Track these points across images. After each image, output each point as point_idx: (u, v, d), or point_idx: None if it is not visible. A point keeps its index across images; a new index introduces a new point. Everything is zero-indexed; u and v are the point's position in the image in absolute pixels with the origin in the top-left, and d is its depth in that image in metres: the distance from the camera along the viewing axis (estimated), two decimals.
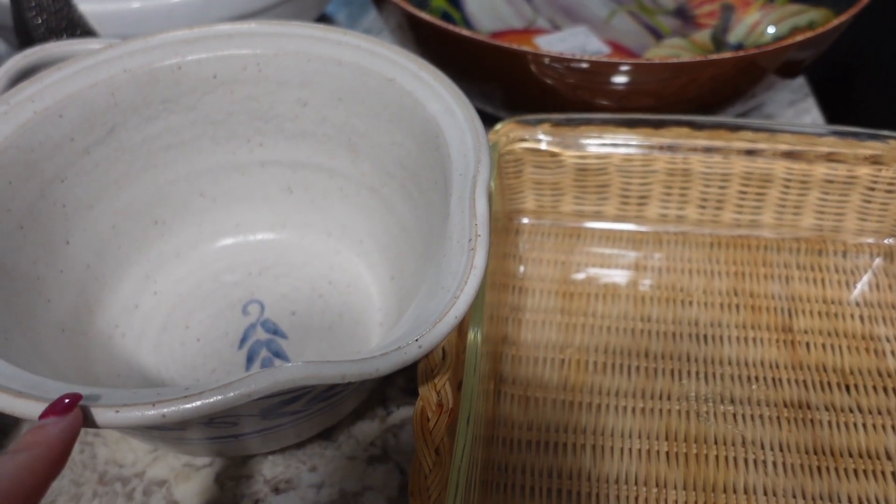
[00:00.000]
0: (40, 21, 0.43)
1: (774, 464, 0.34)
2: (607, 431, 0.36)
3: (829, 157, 0.42)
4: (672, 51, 0.60)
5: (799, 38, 0.44)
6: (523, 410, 0.36)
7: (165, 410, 0.22)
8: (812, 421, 0.36)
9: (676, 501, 0.33)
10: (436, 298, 0.26)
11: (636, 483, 0.34)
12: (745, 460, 0.34)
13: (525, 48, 0.43)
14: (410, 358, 0.25)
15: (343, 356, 0.24)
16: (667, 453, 0.35)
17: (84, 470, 0.35)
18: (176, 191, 0.40)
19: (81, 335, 0.36)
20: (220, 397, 0.22)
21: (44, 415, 0.23)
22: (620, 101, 0.46)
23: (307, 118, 0.39)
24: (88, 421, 0.23)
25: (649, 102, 0.46)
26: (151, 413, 0.22)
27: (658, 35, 0.62)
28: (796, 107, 0.58)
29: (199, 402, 0.23)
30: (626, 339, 0.40)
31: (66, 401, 0.23)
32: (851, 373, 0.38)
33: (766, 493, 0.33)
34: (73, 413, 0.22)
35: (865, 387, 0.37)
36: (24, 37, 0.43)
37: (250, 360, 0.38)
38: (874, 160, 0.42)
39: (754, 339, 0.39)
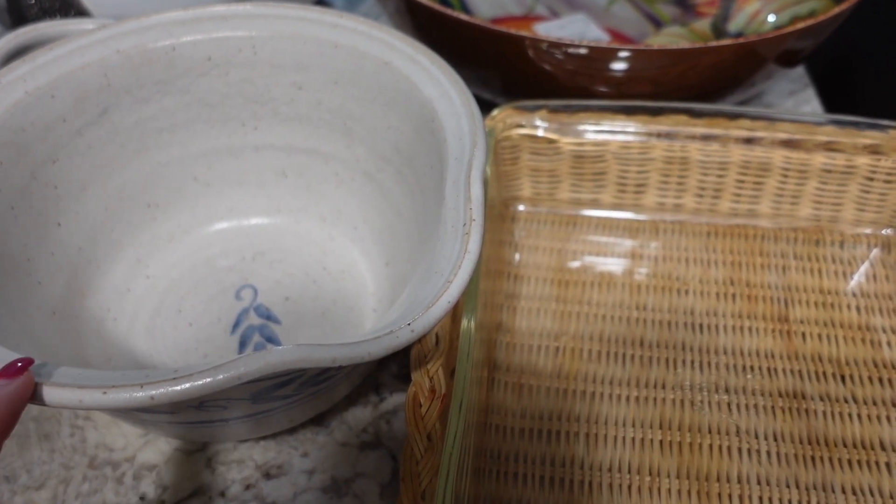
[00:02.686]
0: (34, 1, 0.43)
1: (768, 453, 0.34)
2: (601, 420, 0.35)
3: (828, 147, 0.42)
4: (671, 39, 0.60)
5: (798, 26, 0.44)
6: (517, 398, 0.36)
7: (154, 392, 0.22)
8: (807, 411, 0.36)
9: (669, 490, 0.33)
10: (429, 283, 0.26)
11: (629, 471, 0.34)
12: (739, 449, 0.34)
13: (523, 33, 0.43)
14: (402, 342, 0.24)
15: (336, 341, 0.24)
16: (660, 442, 0.35)
17: (74, 453, 0.35)
18: (169, 174, 0.40)
19: (73, 319, 0.35)
20: (209, 380, 0.22)
21: None
22: (619, 87, 0.46)
23: (302, 102, 0.39)
24: (77, 402, 0.22)
25: (647, 90, 0.46)
26: (140, 395, 0.22)
27: (658, 23, 0.62)
28: (796, 97, 0.58)
29: (188, 385, 0.22)
30: (621, 328, 0.39)
31: (18, 364, 0.22)
32: (847, 363, 0.38)
33: (759, 483, 0.33)
34: (23, 377, 0.22)
35: (861, 377, 0.37)
36: (17, 16, 0.43)
37: (243, 345, 0.38)
38: (873, 150, 0.41)
39: (750, 329, 0.39)
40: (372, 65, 0.35)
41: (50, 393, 0.22)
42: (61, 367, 0.24)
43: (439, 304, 0.25)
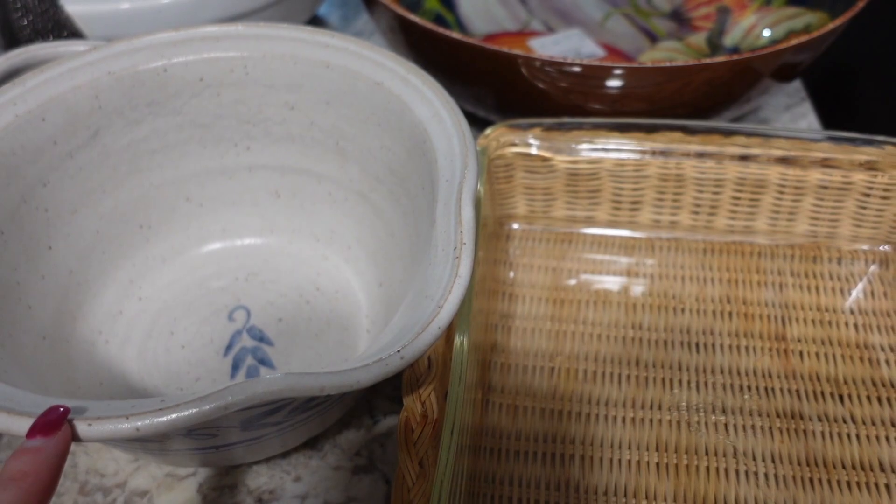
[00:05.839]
0: (26, 22, 0.43)
1: (766, 475, 0.34)
2: (597, 442, 0.35)
3: (824, 163, 0.41)
4: (667, 53, 0.59)
5: (794, 41, 0.44)
6: (511, 420, 0.36)
7: (139, 424, 0.22)
8: (805, 431, 0.35)
9: None
10: (420, 308, 0.26)
11: (626, 495, 0.33)
12: (737, 472, 0.34)
13: (516, 51, 0.43)
14: (392, 369, 0.24)
15: (329, 364, 0.24)
16: (657, 464, 0.34)
17: (64, 479, 0.35)
18: (162, 195, 0.40)
19: (63, 342, 0.35)
20: (195, 410, 0.22)
21: (30, 434, 0.21)
22: (613, 105, 0.46)
23: (295, 122, 0.38)
24: None
25: (642, 107, 0.46)
26: (125, 426, 0.22)
27: (653, 38, 0.62)
28: (792, 111, 0.58)
29: (174, 416, 0.22)
30: (617, 348, 0.39)
31: (60, 409, 0.22)
32: (845, 382, 0.37)
33: None
34: (61, 432, 0.21)
35: (859, 397, 0.37)
36: (10, 38, 0.43)
37: (236, 367, 0.37)
38: (869, 166, 0.41)
39: (747, 348, 0.39)
40: (364, 85, 0.35)
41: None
42: (46, 397, 0.23)
43: (430, 329, 0.25)
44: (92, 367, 0.36)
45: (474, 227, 0.28)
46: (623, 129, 0.42)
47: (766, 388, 0.37)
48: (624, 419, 0.36)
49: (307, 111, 0.38)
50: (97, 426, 0.22)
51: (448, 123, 0.32)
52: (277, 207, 0.42)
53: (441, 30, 0.44)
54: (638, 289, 0.42)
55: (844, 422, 0.36)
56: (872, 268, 0.43)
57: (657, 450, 0.35)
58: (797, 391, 0.37)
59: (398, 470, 0.27)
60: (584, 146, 0.42)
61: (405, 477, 0.27)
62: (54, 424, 0.22)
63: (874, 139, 0.41)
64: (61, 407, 0.22)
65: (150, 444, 0.29)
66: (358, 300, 0.40)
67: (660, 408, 0.36)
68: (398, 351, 0.24)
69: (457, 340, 0.32)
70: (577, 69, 0.43)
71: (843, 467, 0.34)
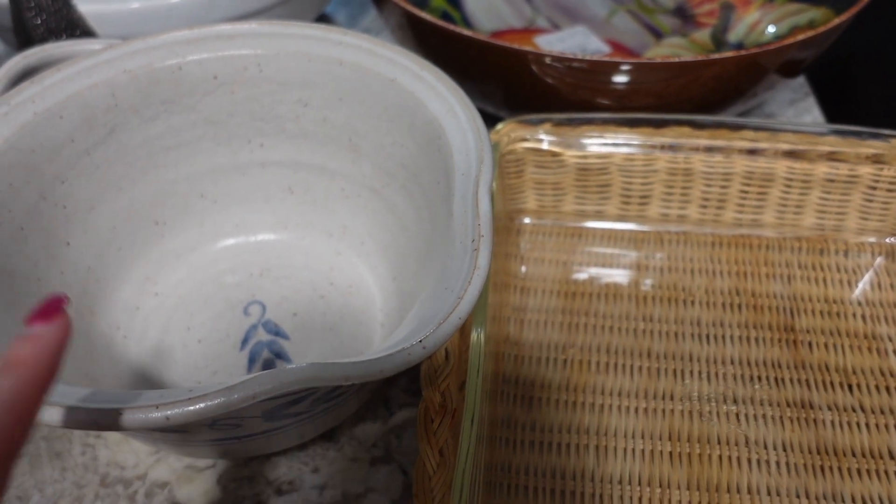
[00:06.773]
0: (39, 21, 0.43)
1: (777, 464, 0.34)
2: (610, 432, 0.36)
3: (831, 157, 0.42)
4: (672, 50, 0.60)
5: (800, 37, 0.44)
6: (526, 411, 0.36)
7: (169, 413, 0.22)
8: (815, 420, 0.36)
9: (680, 502, 0.33)
10: (439, 299, 0.26)
11: (639, 483, 0.34)
12: (749, 460, 0.34)
13: (526, 48, 0.43)
14: (414, 359, 0.24)
15: (345, 357, 0.24)
16: (670, 453, 0.35)
17: (86, 472, 0.35)
18: (176, 192, 0.40)
19: (83, 338, 0.36)
20: (224, 399, 0.22)
21: (30, 321, 0.20)
22: (621, 100, 0.46)
23: (308, 119, 0.39)
24: (92, 424, 0.23)
25: (650, 102, 0.46)
26: (156, 415, 0.22)
27: (658, 34, 0.62)
28: (797, 106, 0.58)
29: (203, 405, 0.22)
30: (628, 339, 0.39)
31: (60, 296, 0.21)
32: (854, 372, 0.38)
33: (769, 493, 0.33)
34: (61, 318, 0.21)
35: (868, 386, 0.37)
36: (24, 37, 0.43)
37: (252, 361, 0.38)
38: (875, 159, 0.42)
39: (756, 339, 0.39)
40: (377, 82, 0.36)
41: (64, 414, 0.23)
42: (74, 387, 0.24)
43: (450, 320, 0.25)
44: (111, 362, 0.36)
45: (491, 220, 0.28)
46: (632, 124, 0.42)
47: (776, 378, 0.38)
48: (637, 409, 0.36)
49: (320, 108, 0.38)
50: (128, 415, 0.22)
51: (462, 118, 0.32)
52: (290, 203, 0.42)
53: (451, 26, 0.45)
54: (648, 281, 0.42)
55: (853, 411, 0.36)
56: (879, 259, 0.43)
57: (670, 439, 0.35)
58: (807, 381, 0.37)
59: (419, 459, 0.28)
60: (594, 141, 0.43)
61: (426, 465, 0.28)
62: (54, 310, 0.21)
63: (880, 133, 0.42)
64: (61, 294, 0.21)
65: (172, 434, 0.30)
66: (371, 294, 0.40)
67: (672, 398, 0.37)
68: (420, 341, 0.25)
69: (473, 333, 0.32)
70: (586, 65, 0.43)
71: (853, 455, 0.35)
